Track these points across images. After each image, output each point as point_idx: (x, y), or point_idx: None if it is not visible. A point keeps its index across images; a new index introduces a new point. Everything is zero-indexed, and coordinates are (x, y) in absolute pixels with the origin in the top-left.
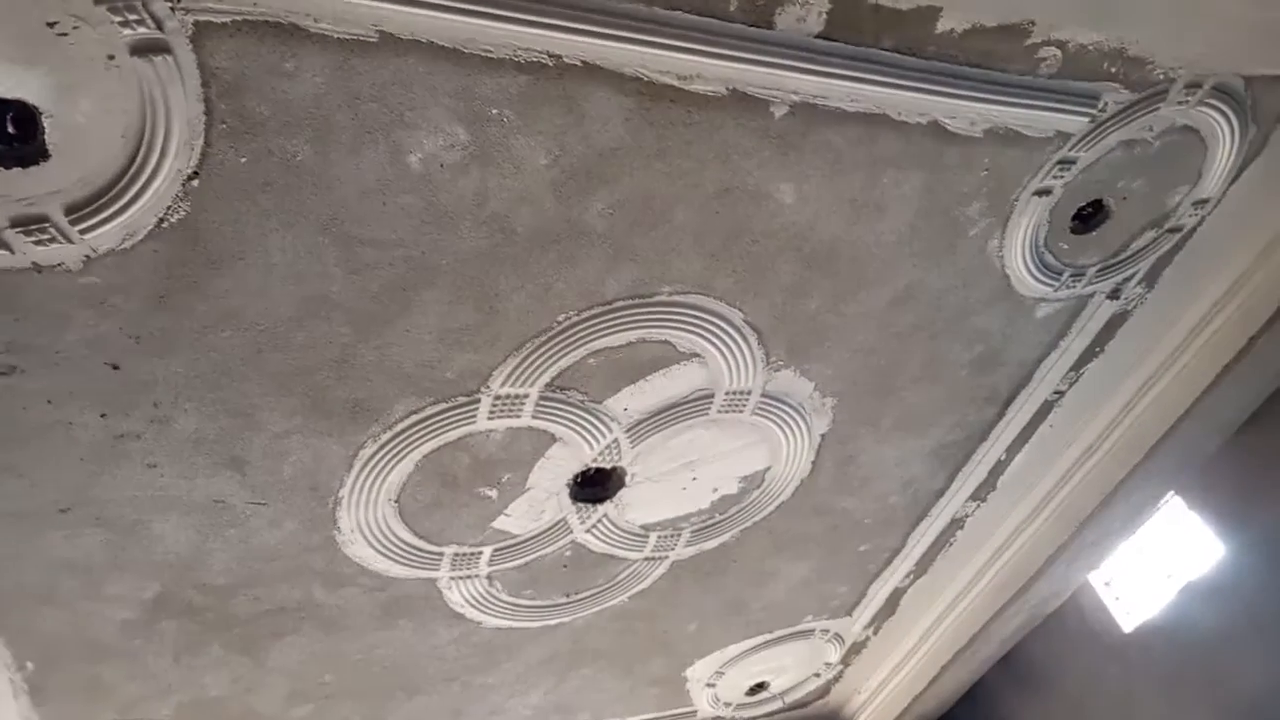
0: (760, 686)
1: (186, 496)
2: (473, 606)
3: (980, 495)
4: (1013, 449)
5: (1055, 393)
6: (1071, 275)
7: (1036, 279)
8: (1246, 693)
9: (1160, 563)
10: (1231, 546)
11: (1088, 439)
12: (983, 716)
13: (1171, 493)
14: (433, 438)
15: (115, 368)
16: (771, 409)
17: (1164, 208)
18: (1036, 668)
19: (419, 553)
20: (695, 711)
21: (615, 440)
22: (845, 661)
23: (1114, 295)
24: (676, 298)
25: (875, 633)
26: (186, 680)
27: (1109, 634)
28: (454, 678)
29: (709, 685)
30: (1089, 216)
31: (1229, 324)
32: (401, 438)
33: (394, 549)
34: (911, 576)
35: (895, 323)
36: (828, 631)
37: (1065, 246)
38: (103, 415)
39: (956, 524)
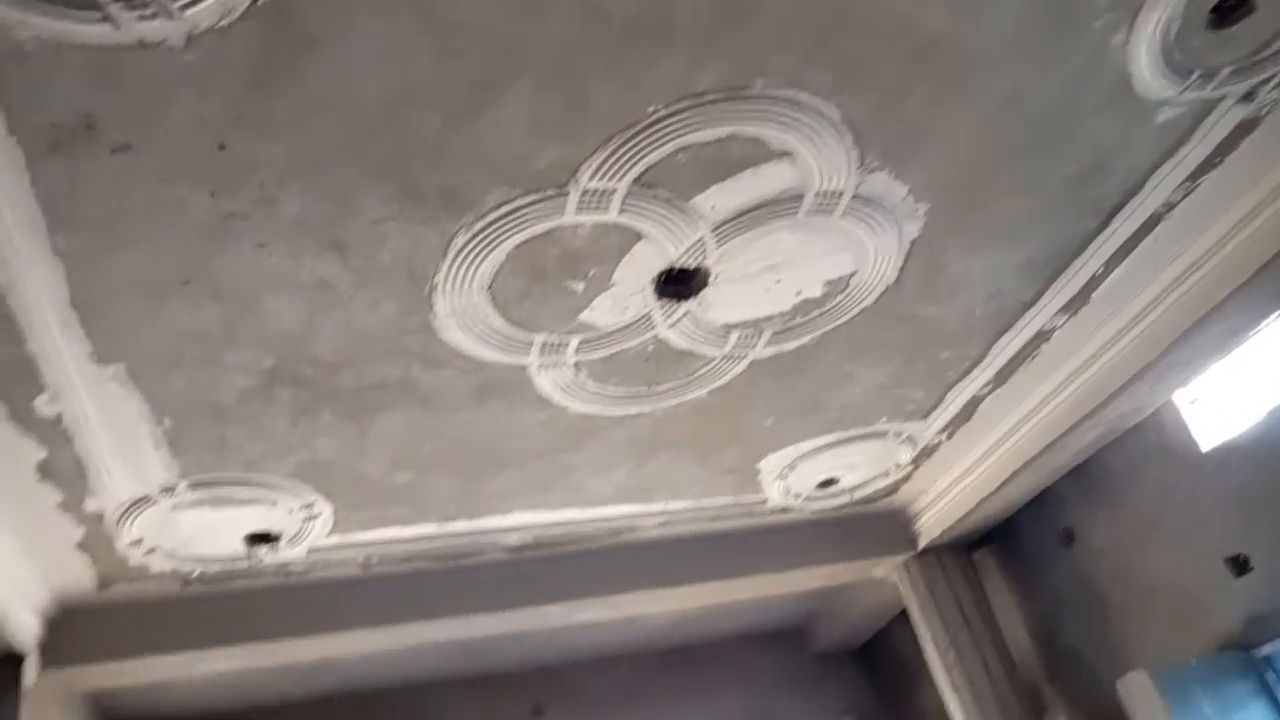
0: (830, 481)
1: (293, 276)
2: (560, 392)
3: (1071, 309)
4: (1111, 263)
5: (1165, 205)
6: (1201, 76)
7: (1163, 80)
8: None
9: (1251, 384)
10: None
11: (1194, 254)
12: (1048, 522)
13: (1276, 315)
14: (522, 229)
15: (221, 148)
16: (862, 212)
17: None
18: (1107, 479)
19: (509, 340)
20: (766, 500)
21: (701, 239)
22: (916, 463)
23: (1247, 98)
24: (770, 92)
25: (948, 438)
26: (301, 443)
27: (1186, 451)
28: (541, 455)
29: (780, 477)
30: (1229, 10)
31: None
32: (493, 228)
33: (486, 335)
34: (991, 386)
35: (999, 126)
36: (901, 434)
37: (1198, 44)
38: (212, 194)
39: (1042, 337)
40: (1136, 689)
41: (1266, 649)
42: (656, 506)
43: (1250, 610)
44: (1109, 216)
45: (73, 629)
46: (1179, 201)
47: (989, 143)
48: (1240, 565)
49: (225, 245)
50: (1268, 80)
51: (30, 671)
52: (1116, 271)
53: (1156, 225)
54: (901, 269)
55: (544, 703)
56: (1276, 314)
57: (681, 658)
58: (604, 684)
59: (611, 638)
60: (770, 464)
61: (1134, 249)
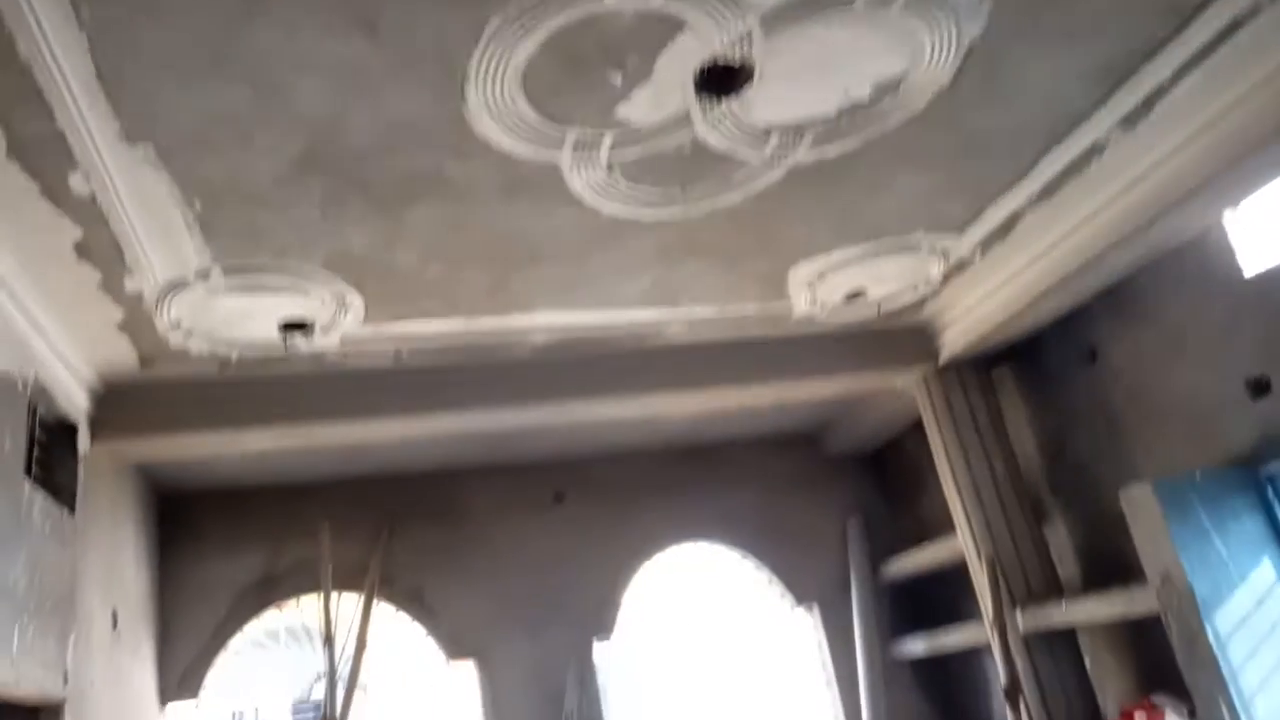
0: (858, 294)
1: (324, 58)
2: (592, 192)
3: (1130, 122)
4: (1181, 72)
5: (1251, 8)
6: None
7: None
8: None
9: None
10: None
11: (1268, 68)
12: (1071, 340)
13: None
14: (560, 13)
15: None
16: (922, 7)
17: None
18: (1140, 301)
19: (542, 134)
20: (791, 310)
21: (748, 31)
22: (946, 278)
23: None
24: None
25: (983, 254)
26: (332, 233)
27: (1227, 276)
28: (571, 256)
29: (808, 287)
30: None
31: None
32: (529, 11)
33: (519, 127)
34: (1034, 200)
35: None
36: (935, 248)
37: None
38: None
39: (1096, 150)
40: (1137, 498)
41: (1272, 468)
42: (682, 312)
43: (1263, 431)
44: (1189, 18)
45: (119, 404)
46: (1267, 5)
47: None
48: (1260, 387)
49: (255, 22)
50: None
51: (83, 440)
52: (1184, 82)
53: (1236, 31)
54: (957, 71)
55: (565, 489)
56: None
57: (698, 456)
58: (623, 475)
59: (632, 434)
60: (800, 274)
61: (1207, 57)
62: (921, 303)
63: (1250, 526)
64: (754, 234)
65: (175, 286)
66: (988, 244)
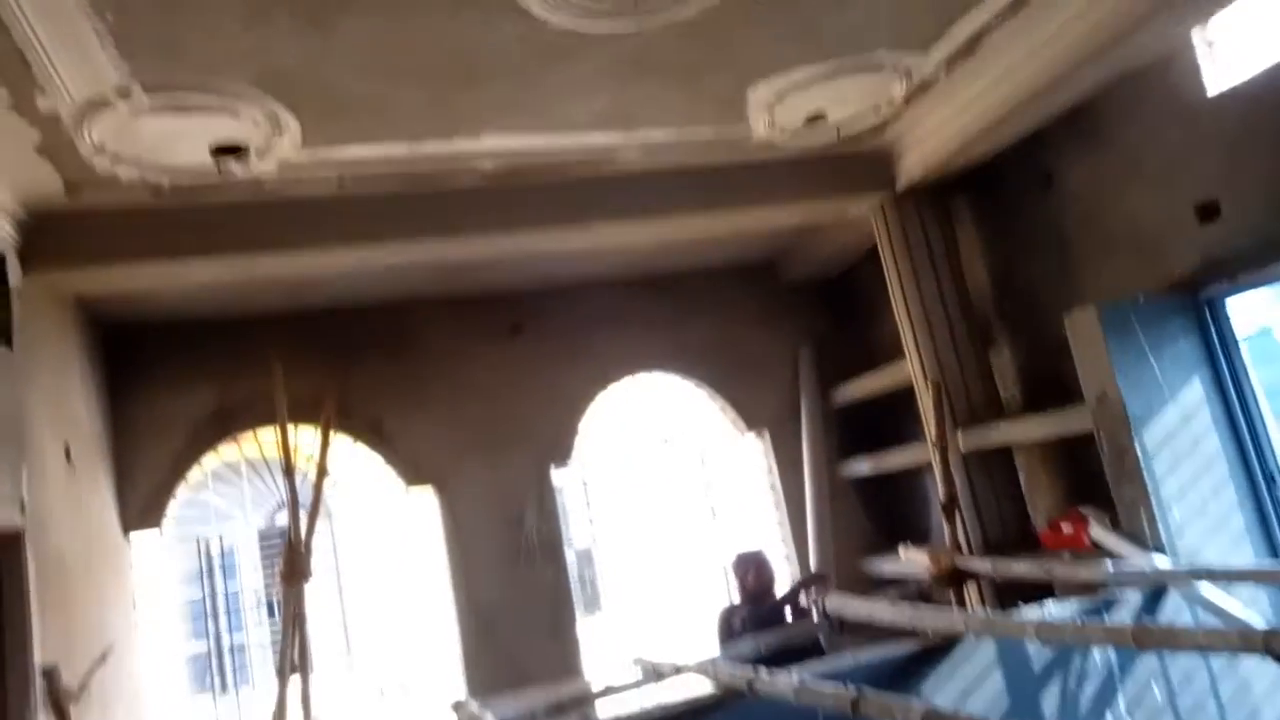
0: (818, 116)
1: None
2: (540, 3)
3: None
4: None
5: None
6: None
7: None
8: None
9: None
10: None
11: None
12: (1028, 166)
13: None
14: None
15: None
16: None
17: None
18: (1100, 124)
19: None
20: (750, 134)
21: None
22: (909, 99)
23: None
24: None
25: (947, 73)
26: (260, 48)
27: (1190, 97)
28: (517, 73)
29: (767, 109)
30: None
31: None
32: None
33: None
34: (1001, 15)
35: None
36: (898, 66)
37: None
38: None
39: None
40: (1080, 321)
41: (1211, 291)
42: (637, 136)
43: (1206, 255)
44: None
45: (48, 234)
46: None
47: None
48: (1208, 211)
49: None
50: None
51: (13, 272)
52: None
53: None
54: None
55: (522, 321)
56: None
57: (654, 287)
58: (580, 307)
59: (588, 266)
60: (759, 94)
61: None
62: (882, 126)
63: (1185, 348)
64: (711, 50)
65: (94, 106)
66: (952, 62)
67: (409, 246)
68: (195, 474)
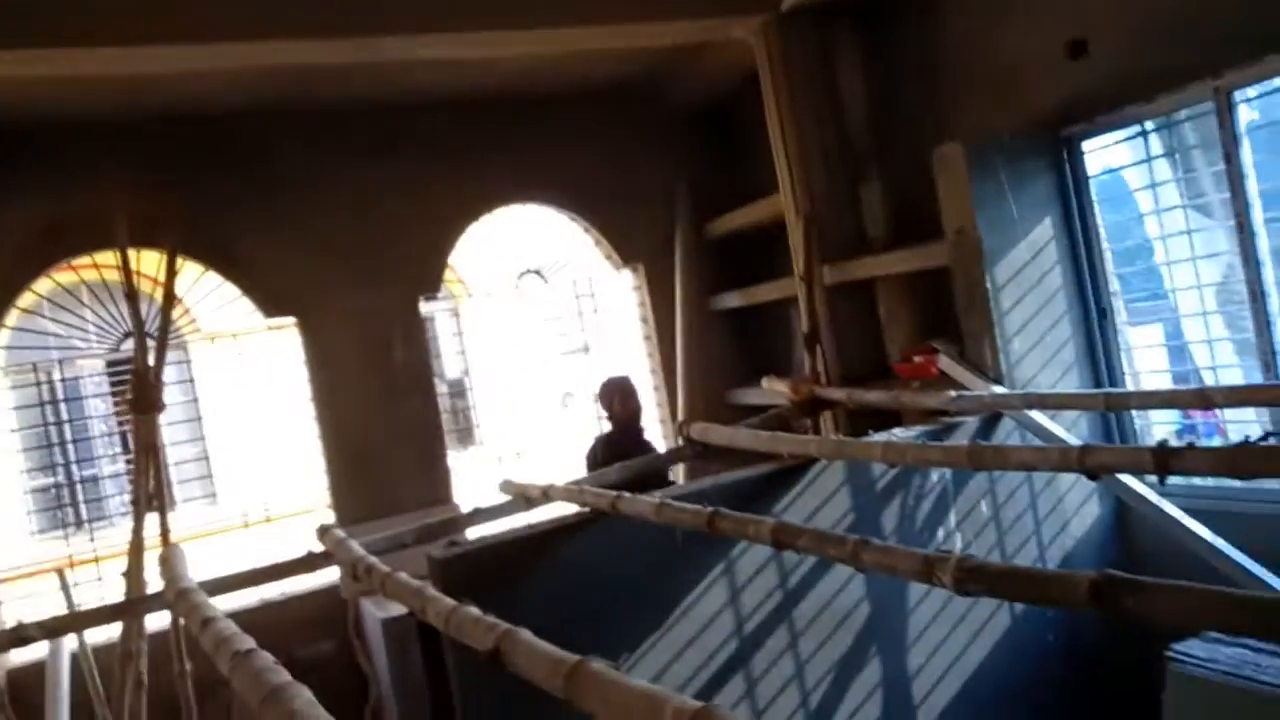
0: None
1: None
2: None
3: None
4: None
5: None
6: None
7: None
8: None
9: None
10: None
11: None
12: None
13: None
14: None
15: None
16: None
17: None
18: None
19: None
20: None
21: None
22: None
23: None
24: None
25: None
26: None
27: None
28: None
29: None
30: None
31: None
32: None
33: None
34: None
35: None
36: None
37: None
38: None
39: None
40: (947, 158)
41: (1070, 130)
42: None
43: (1071, 93)
44: None
45: None
46: None
47: None
48: (1078, 48)
49: None
50: None
51: None
52: None
53: None
54: None
55: (388, 139)
56: None
57: (528, 112)
58: (450, 128)
59: (460, 81)
60: None
61: None
62: None
63: (1041, 186)
64: None
65: None
66: None
67: (249, 49)
68: (29, 299)
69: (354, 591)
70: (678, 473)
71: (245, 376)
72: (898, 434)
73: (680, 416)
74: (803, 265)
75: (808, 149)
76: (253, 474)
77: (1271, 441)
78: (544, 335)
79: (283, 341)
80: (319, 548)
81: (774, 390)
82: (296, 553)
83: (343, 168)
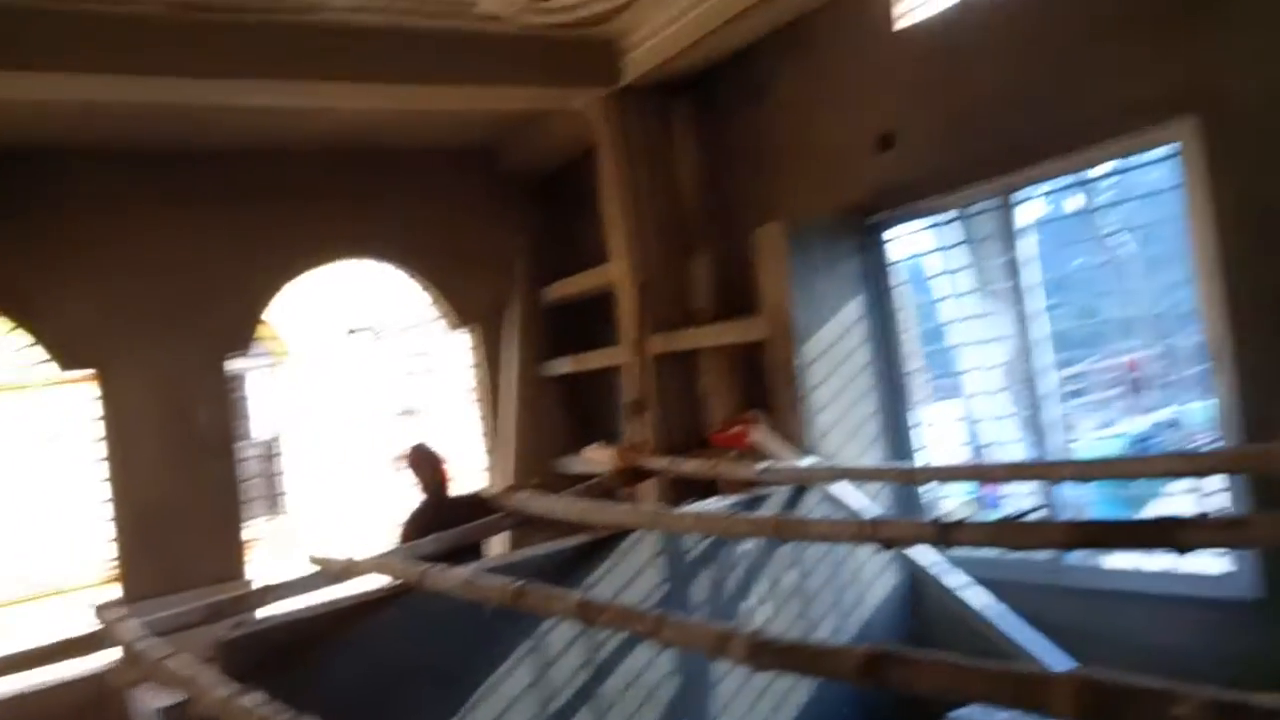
0: None
1: None
2: None
3: None
4: None
5: None
6: None
7: None
8: (974, 100)
9: None
10: None
11: None
12: (745, 77)
13: None
14: None
15: None
16: None
17: None
18: (807, 45)
19: None
20: (476, 1)
21: None
22: None
23: None
24: None
25: None
26: None
27: (881, 29)
28: None
29: None
30: None
31: None
32: None
33: None
34: None
35: None
36: None
37: None
38: None
39: None
40: (767, 237)
41: (880, 217)
42: None
43: (879, 183)
44: None
45: None
46: None
47: None
48: (887, 141)
49: None
50: None
51: None
52: None
53: None
54: None
55: (207, 184)
56: None
57: (366, 164)
58: (277, 176)
59: (289, 129)
60: None
61: None
62: (613, 13)
63: (852, 269)
64: None
65: None
66: None
67: (64, 80)
68: None
69: (123, 680)
70: (502, 543)
71: (31, 432)
72: (710, 504)
73: (510, 483)
74: (633, 334)
75: (642, 221)
76: (34, 542)
77: (1033, 516)
78: (372, 396)
79: (76, 396)
80: (97, 626)
81: (597, 459)
82: (74, 632)
83: (151, 214)
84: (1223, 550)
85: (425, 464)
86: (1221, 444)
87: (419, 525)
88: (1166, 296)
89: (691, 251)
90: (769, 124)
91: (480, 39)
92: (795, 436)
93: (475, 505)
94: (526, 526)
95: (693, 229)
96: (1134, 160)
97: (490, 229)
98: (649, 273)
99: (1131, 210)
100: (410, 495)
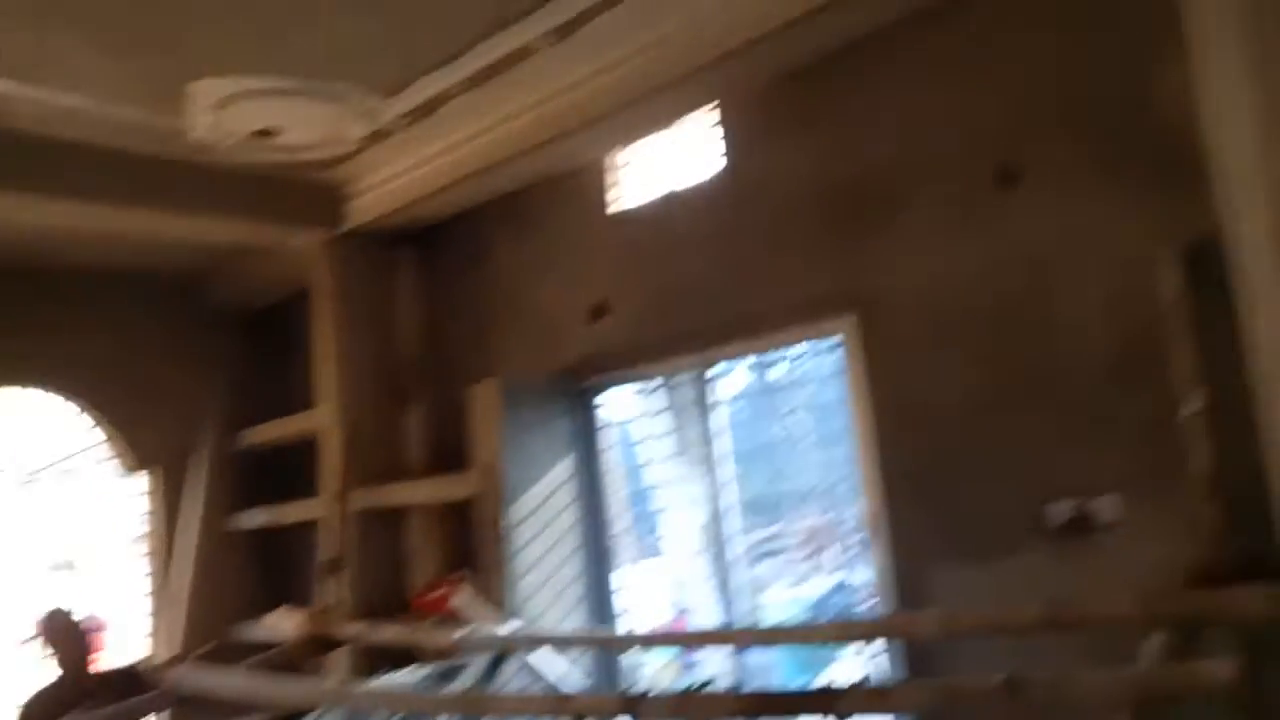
0: (269, 133)
1: None
2: None
3: (562, 33)
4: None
5: None
6: None
7: None
8: (677, 283)
9: (670, 164)
10: (727, 168)
11: (673, 24)
12: (472, 237)
13: (716, 104)
14: None
15: None
16: None
17: None
18: (530, 214)
19: None
20: (187, 130)
21: None
22: (366, 142)
23: None
24: None
25: (406, 127)
26: None
27: (596, 209)
28: None
29: (214, 109)
30: None
31: None
32: None
33: None
34: (463, 87)
35: None
36: (362, 106)
37: None
38: None
39: (525, 52)
40: (484, 393)
41: (593, 380)
42: (41, 94)
43: (592, 349)
44: None
45: None
46: None
47: None
48: (598, 311)
49: None
50: None
51: None
52: (611, 11)
53: None
54: None
55: None
56: (718, 103)
57: (42, 283)
58: None
59: None
60: (205, 89)
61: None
62: (336, 161)
63: (563, 428)
64: (156, 23)
65: None
66: (413, 118)
67: None
68: None
69: None
70: None
71: None
72: (402, 676)
73: (176, 652)
74: (335, 487)
75: (354, 367)
76: None
77: (711, 687)
78: (21, 545)
79: None
80: None
81: (282, 626)
82: None
83: None
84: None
85: (63, 634)
86: (878, 609)
87: (45, 709)
88: (838, 470)
89: (405, 403)
90: (490, 284)
91: (192, 166)
92: (500, 599)
93: (127, 681)
94: (186, 707)
95: (408, 380)
96: (815, 345)
97: (185, 363)
98: (357, 422)
99: (813, 390)
100: (46, 671)
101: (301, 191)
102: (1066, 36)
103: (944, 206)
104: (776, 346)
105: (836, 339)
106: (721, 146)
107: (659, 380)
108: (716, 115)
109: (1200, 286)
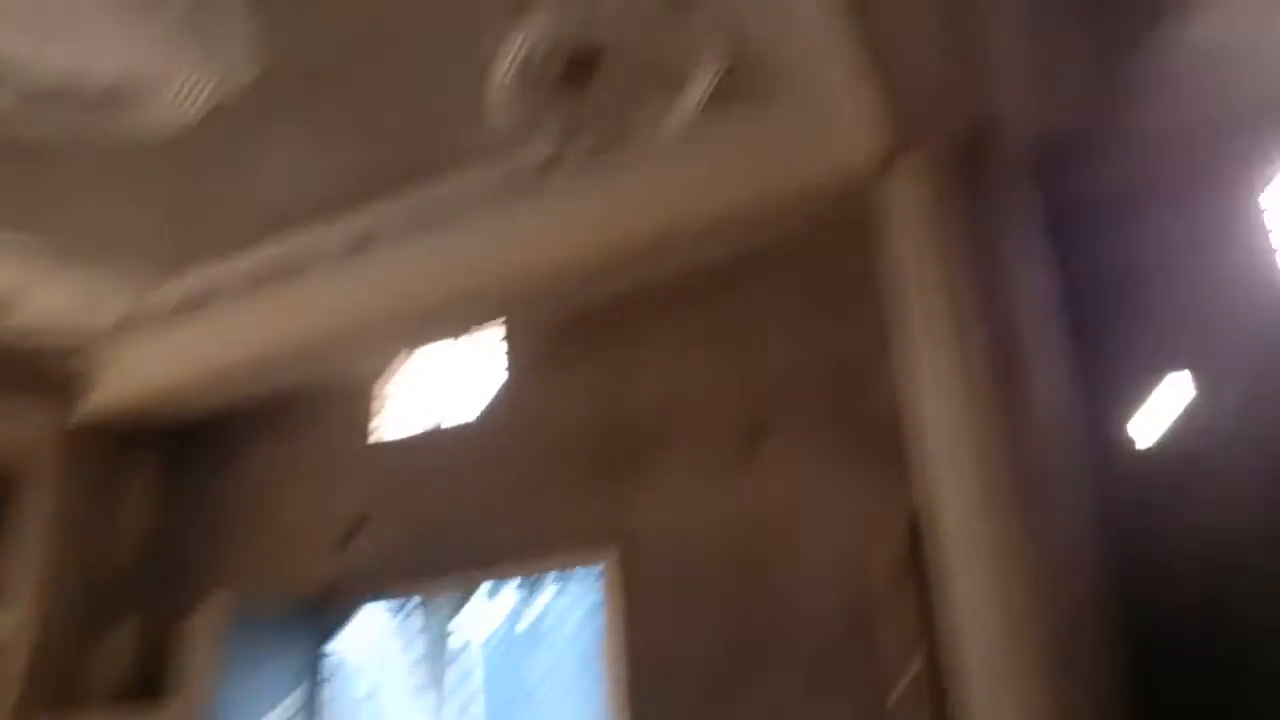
0: (8, 301)
1: None
2: None
3: (350, 247)
4: (392, 225)
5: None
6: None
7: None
8: (433, 507)
9: (441, 391)
10: (504, 395)
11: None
12: (227, 437)
13: (503, 321)
14: None
15: None
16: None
17: None
18: (291, 425)
19: None
20: None
21: None
22: (122, 325)
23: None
24: None
25: (170, 315)
26: None
27: (357, 435)
28: None
29: None
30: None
31: None
32: None
33: None
34: (239, 284)
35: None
36: (125, 286)
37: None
38: None
39: (308, 262)
40: (204, 613)
41: (336, 602)
42: None
43: (337, 576)
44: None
45: None
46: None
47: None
48: (348, 538)
49: None
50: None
51: None
52: (395, 240)
53: (450, 217)
54: (207, 115)
55: None
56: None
57: None
58: None
59: None
60: None
61: (415, 228)
62: (82, 345)
63: (296, 657)
64: None
65: None
66: (179, 308)
67: None
68: None
69: None
70: None
71: None
72: None
73: None
74: (8, 706)
75: (60, 571)
76: None
77: None
78: None
79: None
80: None
81: None
82: None
83: None
84: None
85: None
86: None
87: None
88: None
89: (120, 615)
90: (235, 494)
91: None
92: None
93: None
94: None
95: (128, 589)
96: (572, 586)
97: None
98: (51, 634)
99: (569, 634)
100: None
101: (31, 368)
102: (810, 323)
103: (700, 457)
104: (537, 572)
105: (598, 568)
106: (504, 362)
107: (407, 611)
108: (501, 331)
109: (921, 551)
